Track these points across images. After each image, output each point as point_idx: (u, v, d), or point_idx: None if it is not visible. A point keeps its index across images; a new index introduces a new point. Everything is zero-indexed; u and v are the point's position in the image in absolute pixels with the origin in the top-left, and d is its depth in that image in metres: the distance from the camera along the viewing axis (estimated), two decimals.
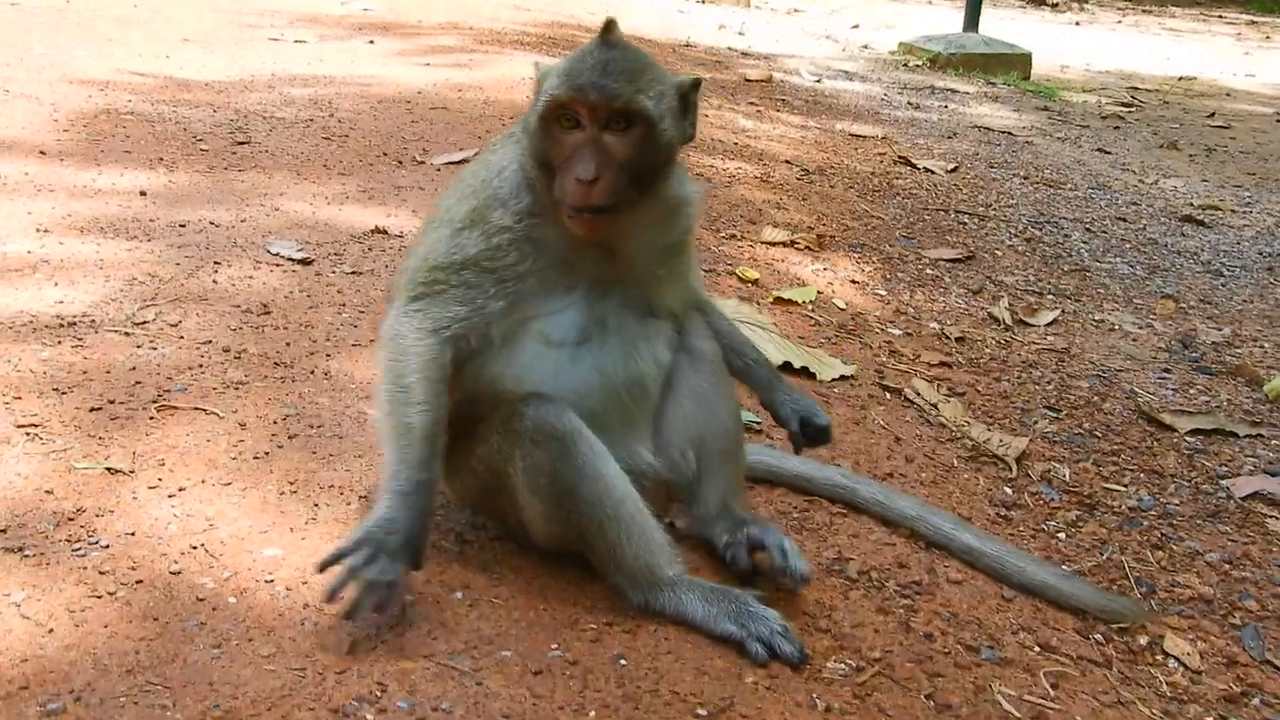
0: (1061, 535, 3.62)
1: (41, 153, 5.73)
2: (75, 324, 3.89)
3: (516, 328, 2.75)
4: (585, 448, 2.65)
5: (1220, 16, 24.26)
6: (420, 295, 2.75)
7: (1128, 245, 6.90)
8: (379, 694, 2.38)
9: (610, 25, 2.68)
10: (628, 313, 2.83)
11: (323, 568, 2.58)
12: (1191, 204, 8.11)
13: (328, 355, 3.87)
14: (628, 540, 2.70)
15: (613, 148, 2.62)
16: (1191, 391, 4.81)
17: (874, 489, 3.40)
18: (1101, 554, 3.54)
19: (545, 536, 2.81)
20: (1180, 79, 14.75)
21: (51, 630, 2.47)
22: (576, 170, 2.59)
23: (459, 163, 6.10)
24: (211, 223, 4.97)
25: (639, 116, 2.61)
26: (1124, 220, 7.45)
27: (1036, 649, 2.92)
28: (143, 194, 5.26)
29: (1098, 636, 3.08)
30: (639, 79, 2.62)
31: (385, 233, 4.98)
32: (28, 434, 3.21)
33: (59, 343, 3.75)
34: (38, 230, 4.69)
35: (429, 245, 2.81)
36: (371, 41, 9.63)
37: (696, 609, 2.71)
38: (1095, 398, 4.65)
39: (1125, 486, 3.97)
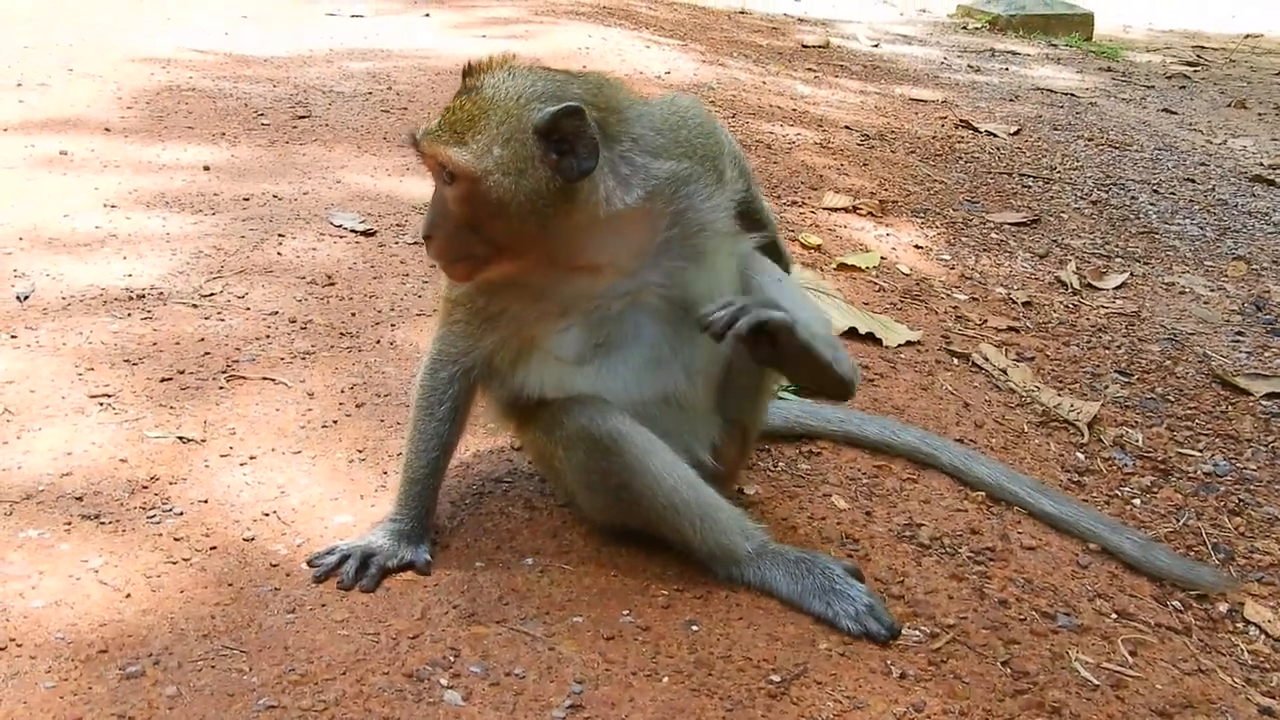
0: (1136, 501, 3.56)
1: (106, 129, 5.78)
2: (144, 296, 3.93)
3: (527, 349, 2.73)
4: (628, 445, 2.63)
5: None
6: (441, 324, 2.80)
7: (1196, 206, 6.76)
8: (452, 658, 2.38)
9: (468, 69, 2.59)
10: (653, 323, 2.69)
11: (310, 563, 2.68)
12: (1261, 163, 7.93)
13: (392, 325, 3.88)
14: (691, 526, 2.68)
15: (450, 202, 2.53)
16: (1266, 355, 4.71)
17: (955, 453, 3.40)
18: (1178, 520, 3.48)
19: (606, 522, 2.83)
20: (1247, 36, 14.41)
21: (129, 595, 2.50)
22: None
23: None
24: (274, 196, 5.00)
25: (458, 171, 2.47)
26: (1192, 181, 7.30)
27: (1114, 616, 2.87)
28: (206, 169, 5.29)
29: (1175, 603, 3.02)
30: (467, 129, 2.47)
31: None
32: (100, 404, 3.24)
33: (129, 315, 3.79)
34: (105, 205, 4.73)
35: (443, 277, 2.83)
36: (427, 15, 9.62)
37: (782, 584, 2.69)
38: (1167, 361, 4.56)
39: (1200, 451, 3.90)
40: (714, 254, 2.73)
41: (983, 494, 3.30)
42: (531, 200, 2.47)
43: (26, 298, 3.86)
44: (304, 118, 6.25)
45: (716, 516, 2.71)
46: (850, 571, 2.70)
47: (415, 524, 2.74)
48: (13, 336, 3.60)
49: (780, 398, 3.51)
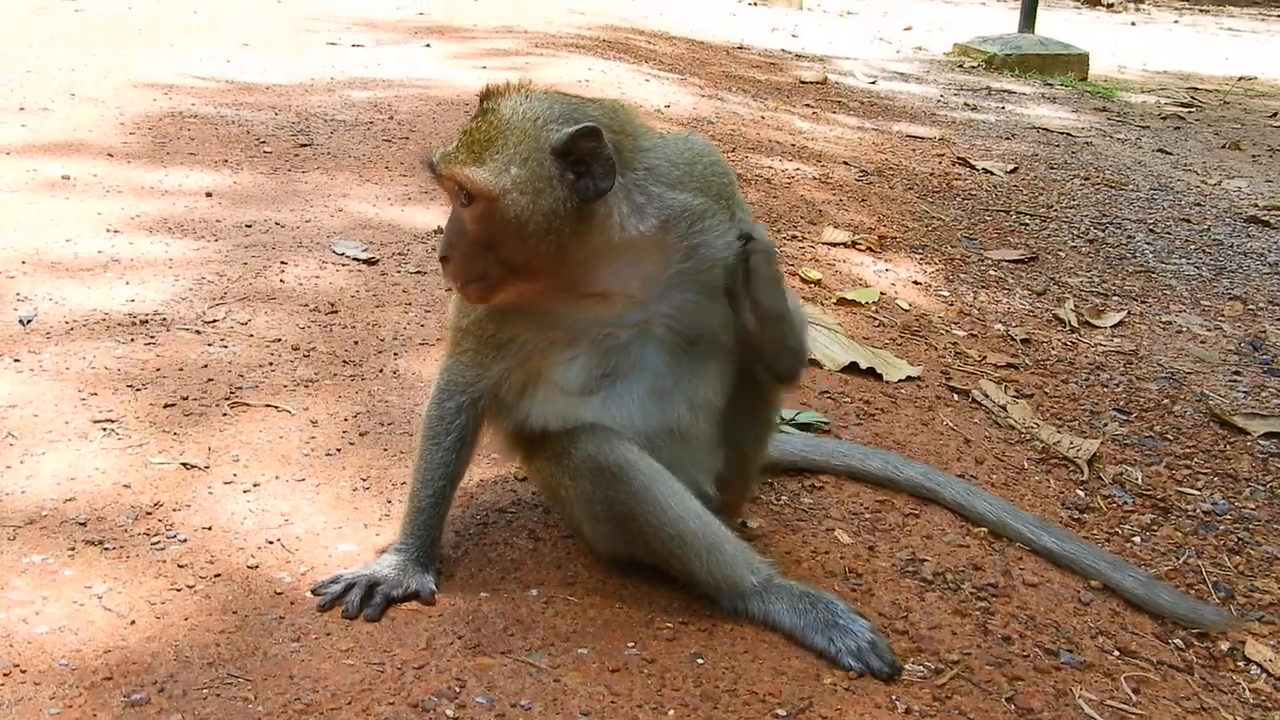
0: (1136, 539, 3.56)
1: (109, 155, 5.80)
2: (147, 322, 3.93)
3: (533, 380, 2.74)
4: (635, 474, 2.63)
5: None
6: (449, 354, 2.82)
7: (1192, 246, 6.80)
8: (458, 689, 2.38)
9: (485, 93, 2.62)
10: (659, 355, 2.70)
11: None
12: (1256, 204, 7.98)
13: (395, 354, 3.89)
14: (696, 557, 2.68)
15: (466, 223, 2.55)
16: (1263, 394, 4.73)
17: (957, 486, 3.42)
18: (1178, 558, 3.48)
19: (612, 553, 2.83)
20: (1240, 79, 14.53)
21: (133, 622, 2.49)
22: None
23: None
24: (277, 223, 5.01)
25: (476, 191, 2.49)
26: (1188, 221, 7.34)
27: (1116, 653, 2.87)
28: (208, 195, 5.31)
29: (1178, 641, 3.02)
30: (485, 149, 2.50)
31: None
32: (104, 429, 3.24)
33: (132, 340, 3.79)
34: (108, 230, 4.74)
35: (451, 306, 2.85)
36: (428, 45, 9.67)
37: (785, 618, 2.68)
38: (1165, 400, 4.58)
39: (1199, 490, 3.91)
40: (719, 286, 2.73)
41: (985, 530, 3.30)
42: (548, 220, 2.49)
43: (29, 322, 3.86)
44: (306, 145, 6.28)
45: (722, 548, 2.71)
46: (854, 610, 2.70)
47: (421, 553, 2.74)
48: (16, 360, 3.60)
49: (783, 431, 3.52)
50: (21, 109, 6.49)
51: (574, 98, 2.65)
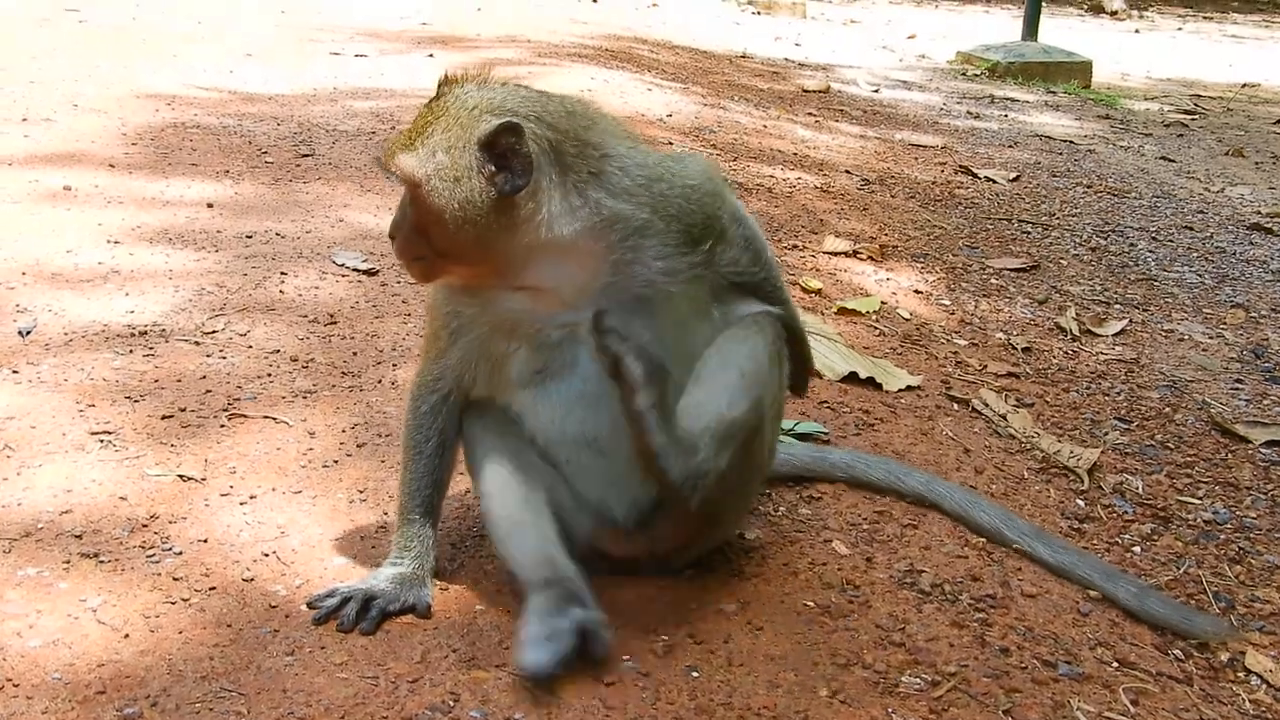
0: (1136, 549, 3.54)
1: (111, 165, 5.81)
2: (146, 333, 3.93)
3: (494, 371, 2.76)
4: (476, 445, 2.78)
5: None
6: (421, 359, 2.89)
7: (1195, 254, 6.78)
8: (452, 703, 2.37)
9: (441, 80, 2.65)
10: (591, 359, 2.64)
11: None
12: (1259, 211, 7.97)
13: (394, 365, 3.89)
14: (498, 540, 2.74)
15: (407, 206, 2.60)
16: (1265, 403, 4.71)
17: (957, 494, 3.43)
18: (1178, 568, 3.46)
19: None
20: (1244, 86, 14.52)
21: (127, 636, 2.49)
22: None
23: None
24: (277, 234, 5.02)
25: (402, 177, 2.53)
26: (1190, 229, 7.33)
27: (1115, 665, 2.86)
28: (210, 205, 5.32)
29: (1177, 652, 3.01)
30: (418, 136, 2.53)
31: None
32: (101, 441, 3.24)
33: (130, 351, 3.79)
34: (108, 241, 4.75)
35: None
36: (431, 55, 9.68)
37: (528, 619, 2.56)
38: (1166, 409, 4.56)
39: (1200, 499, 3.89)
40: (665, 314, 2.68)
41: (983, 540, 3.29)
42: (464, 209, 2.51)
43: (29, 333, 3.86)
44: (307, 156, 6.28)
45: (520, 538, 2.70)
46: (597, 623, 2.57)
47: (415, 565, 2.73)
48: (14, 371, 3.60)
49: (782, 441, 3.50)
50: (24, 119, 6.51)
51: (534, 94, 2.63)
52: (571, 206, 2.57)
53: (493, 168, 2.50)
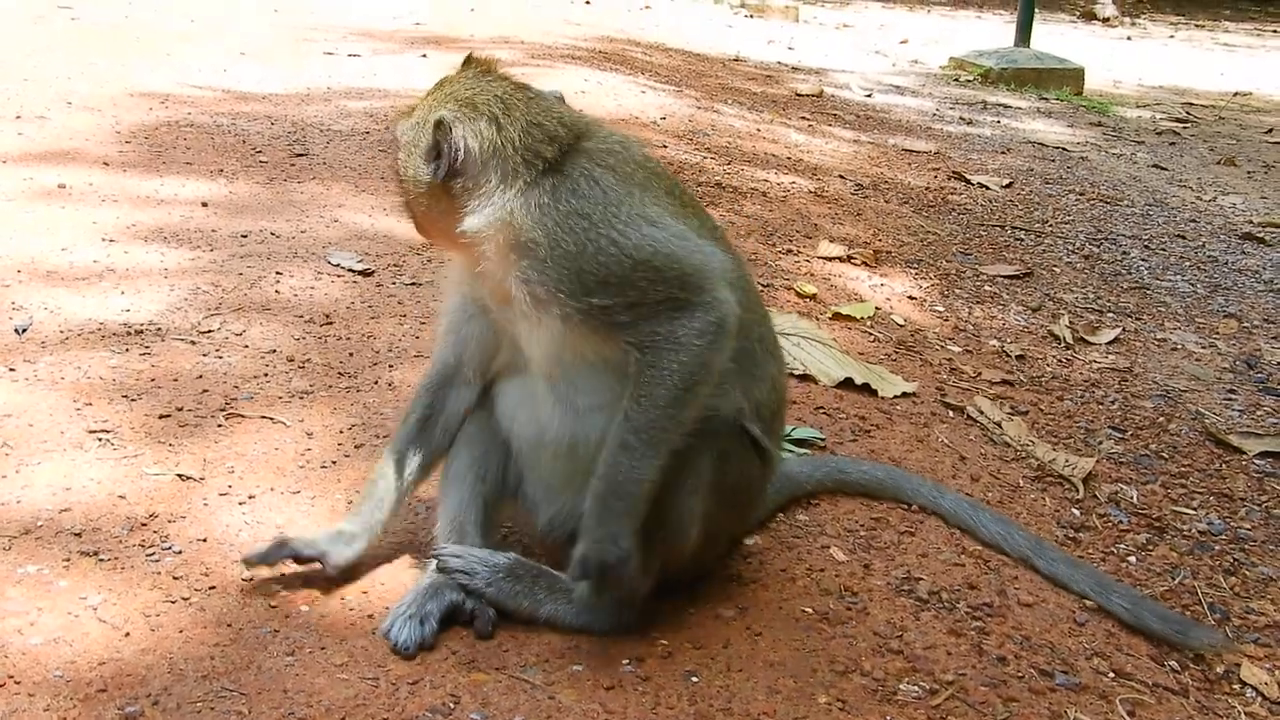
0: (1132, 559, 3.56)
1: (105, 163, 5.79)
2: (142, 332, 3.92)
3: (483, 359, 2.88)
4: (464, 423, 2.92)
5: (1275, 31, 23.94)
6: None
7: (1187, 263, 6.81)
8: (452, 705, 2.37)
9: (465, 60, 2.83)
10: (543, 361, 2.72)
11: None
12: (1251, 221, 8.00)
13: (390, 366, 3.88)
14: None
15: None
16: (1259, 413, 4.74)
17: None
18: (1173, 579, 3.48)
19: None
20: (1236, 94, 14.58)
21: (128, 634, 2.49)
22: None
23: None
24: (272, 233, 5.01)
25: (391, 142, 2.78)
26: (1183, 238, 7.36)
27: (1111, 675, 2.87)
28: (204, 204, 5.30)
29: (1173, 664, 3.02)
30: (414, 109, 2.75)
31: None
32: (99, 439, 3.23)
33: (127, 350, 3.78)
34: (103, 239, 4.73)
35: None
36: (424, 55, 9.67)
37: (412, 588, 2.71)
38: (1160, 418, 4.58)
39: (1194, 510, 3.91)
40: (537, 339, 2.68)
41: (979, 548, 3.31)
42: (414, 184, 2.72)
43: (24, 331, 3.85)
44: (302, 155, 6.27)
45: (445, 503, 2.86)
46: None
47: (355, 525, 2.83)
48: (11, 370, 3.59)
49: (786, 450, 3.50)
50: (18, 117, 6.48)
51: (514, 96, 2.70)
52: (480, 205, 2.65)
53: (436, 154, 2.66)
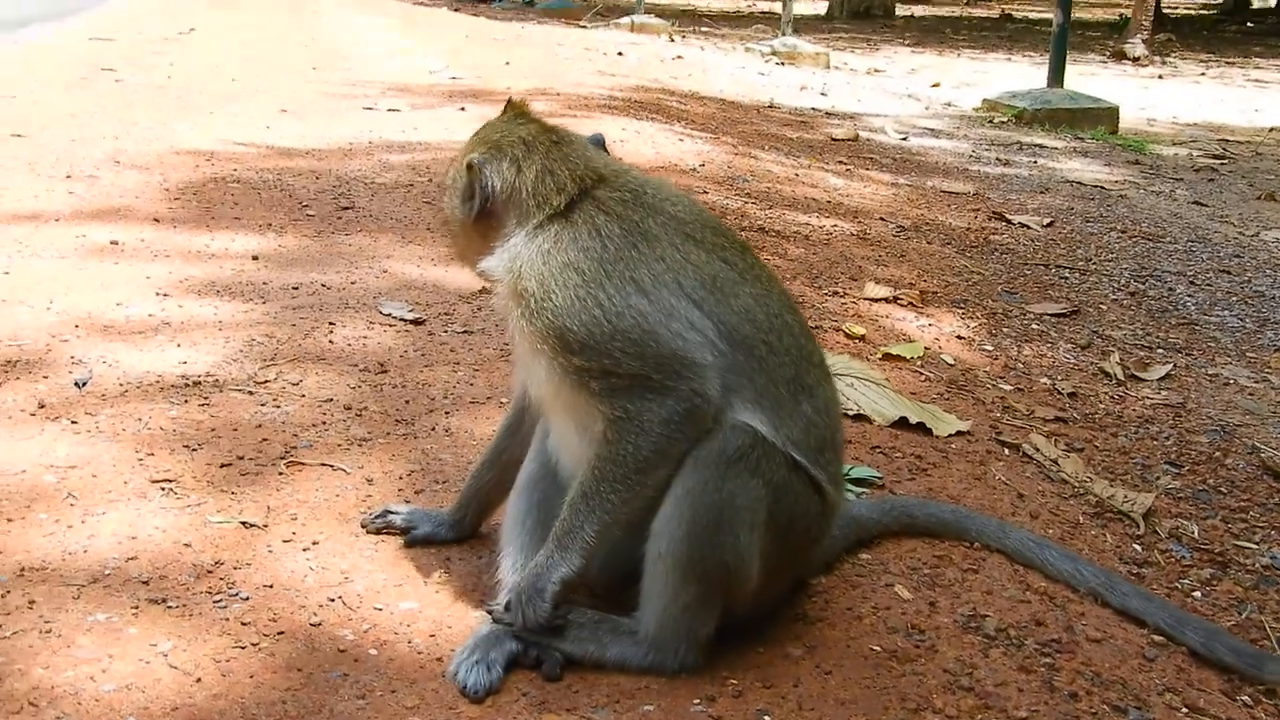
0: (1197, 594, 3.52)
1: (155, 220, 5.88)
2: (200, 383, 3.96)
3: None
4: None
5: None
6: None
7: (1234, 298, 6.77)
8: None
9: (506, 104, 2.95)
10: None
11: None
12: None
13: (447, 413, 3.90)
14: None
15: None
16: None
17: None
18: (1239, 613, 3.43)
19: None
20: (1271, 130, 14.52)
21: (199, 680, 2.49)
22: None
23: None
24: (323, 285, 5.06)
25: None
26: (1228, 273, 7.32)
27: (1185, 710, 2.83)
28: (254, 258, 5.37)
29: (1245, 698, 2.97)
30: (465, 150, 2.85)
31: (491, 294, 5.02)
32: (163, 489, 3.26)
33: (186, 401, 3.82)
34: (157, 294, 4.79)
35: None
36: (463, 109, 9.79)
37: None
38: (1217, 453, 4.54)
39: (1257, 544, 3.86)
40: (537, 371, 2.69)
41: (1044, 584, 3.27)
42: (454, 224, 2.90)
43: (85, 384, 3.90)
44: (348, 208, 6.35)
45: (508, 543, 2.88)
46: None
47: (450, 513, 3.15)
48: (73, 422, 3.63)
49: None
50: (69, 176, 6.60)
51: (542, 135, 2.81)
52: (498, 246, 2.75)
53: (470, 194, 2.76)
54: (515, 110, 2.90)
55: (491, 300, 2.94)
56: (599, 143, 2.95)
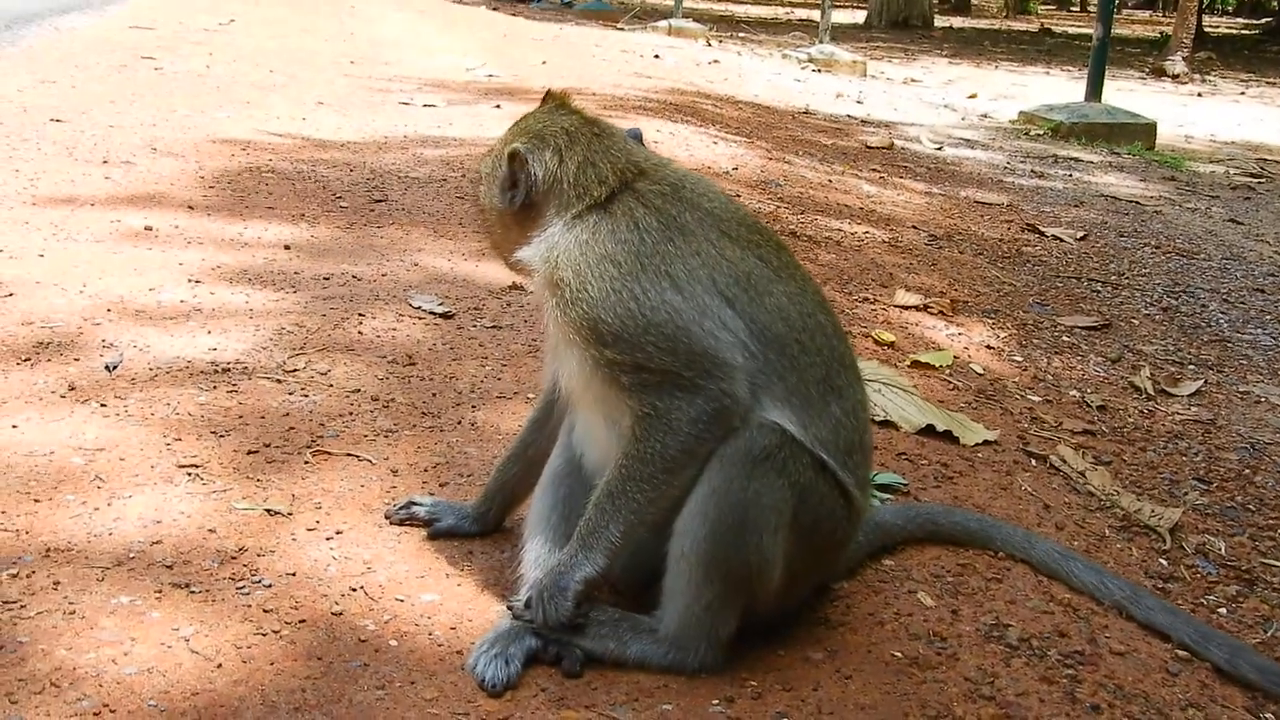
0: (1222, 610, 3.48)
1: (190, 207, 5.91)
2: (229, 370, 3.98)
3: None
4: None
5: None
6: None
7: (1268, 317, 6.71)
8: None
9: (545, 95, 2.96)
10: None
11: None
12: None
13: (473, 406, 3.91)
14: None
15: None
16: None
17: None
18: (1265, 631, 3.40)
19: None
20: None
21: (220, 665, 2.50)
22: None
23: None
24: (354, 276, 5.07)
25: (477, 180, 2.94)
26: (1262, 291, 7.26)
27: None
28: (287, 247, 5.39)
29: (1269, 715, 2.94)
30: (505, 139, 2.84)
31: (522, 289, 5.03)
32: (189, 474, 3.28)
33: (214, 388, 3.84)
34: (189, 280, 4.82)
35: None
36: (498, 106, 9.81)
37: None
38: (1246, 470, 4.50)
39: None
40: (569, 362, 2.69)
41: (1068, 596, 3.25)
42: (492, 214, 2.88)
43: (115, 368, 3.92)
44: (380, 201, 6.37)
45: (531, 538, 2.87)
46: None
47: (474, 506, 3.15)
48: (102, 405, 3.65)
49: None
50: (105, 161, 6.65)
51: (584, 127, 2.81)
52: (537, 236, 2.74)
53: (511, 183, 2.76)
54: (556, 101, 2.90)
55: (523, 294, 2.94)
56: (637, 137, 2.95)
